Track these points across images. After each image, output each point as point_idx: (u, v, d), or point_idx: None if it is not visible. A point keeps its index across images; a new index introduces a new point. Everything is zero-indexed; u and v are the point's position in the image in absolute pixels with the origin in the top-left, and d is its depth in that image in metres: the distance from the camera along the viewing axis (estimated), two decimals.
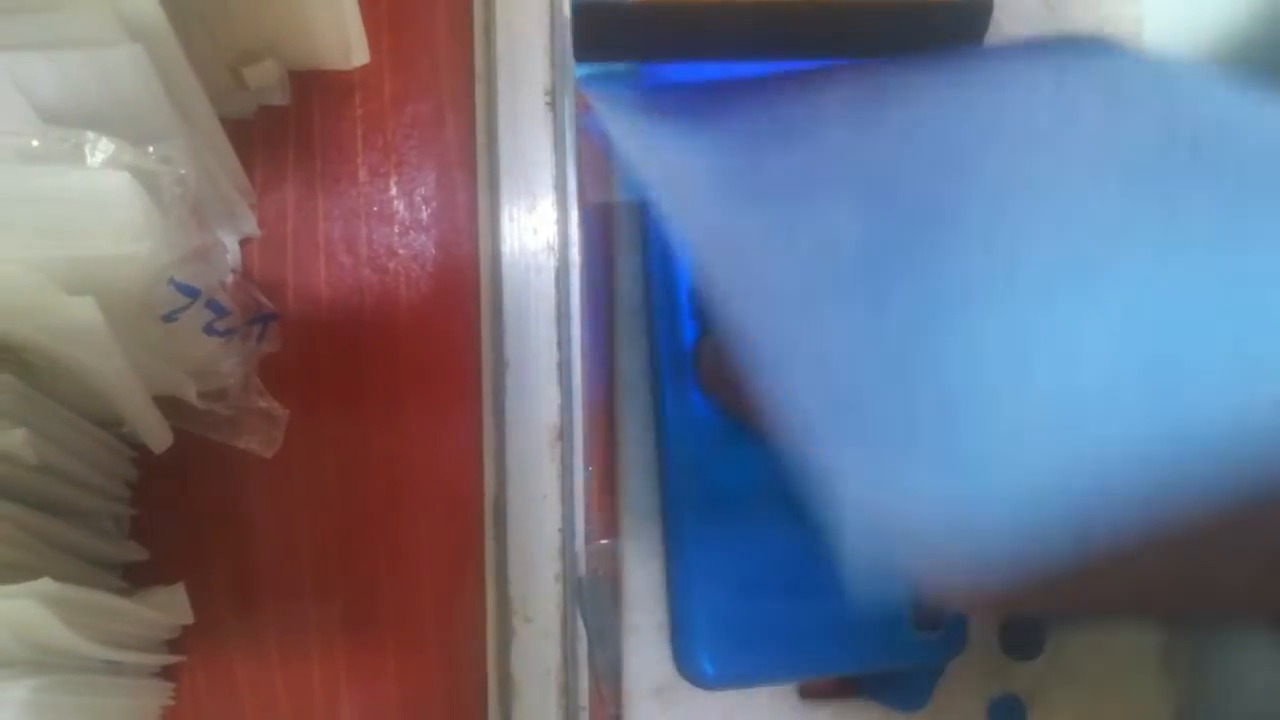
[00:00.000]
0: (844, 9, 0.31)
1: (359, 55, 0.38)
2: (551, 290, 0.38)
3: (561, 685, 0.36)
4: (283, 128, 0.39)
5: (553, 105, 0.38)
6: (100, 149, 0.27)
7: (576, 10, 0.32)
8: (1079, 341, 0.19)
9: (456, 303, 0.39)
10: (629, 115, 0.30)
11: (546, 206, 0.38)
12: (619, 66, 0.33)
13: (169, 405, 0.34)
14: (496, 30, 0.39)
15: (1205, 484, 0.17)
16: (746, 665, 0.34)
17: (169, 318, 0.31)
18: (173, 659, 0.36)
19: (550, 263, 0.38)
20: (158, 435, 0.34)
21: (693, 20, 0.31)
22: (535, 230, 0.38)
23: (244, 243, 0.39)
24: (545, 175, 0.38)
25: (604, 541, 0.37)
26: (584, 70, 0.33)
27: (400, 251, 0.39)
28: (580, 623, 0.37)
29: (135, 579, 0.37)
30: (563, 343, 0.37)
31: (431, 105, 0.40)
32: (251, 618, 0.37)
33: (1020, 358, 0.19)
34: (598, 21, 0.31)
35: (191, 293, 0.31)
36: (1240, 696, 0.38)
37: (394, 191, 0.40)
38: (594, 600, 0.37)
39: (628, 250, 0.37)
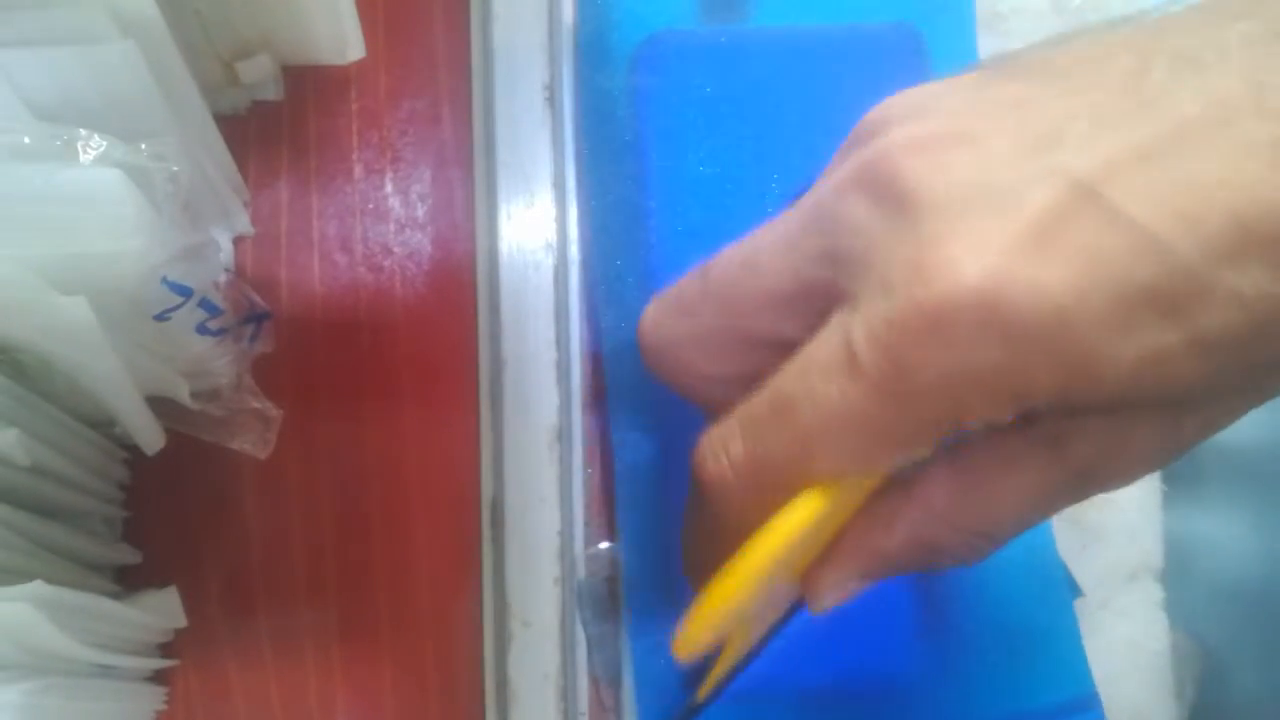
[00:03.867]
0: None
1: (354, 50, 0.38)
2: (550, 288, 0.37)
3: (560, 690, 0.36)
4: (277, 124, 0.39)
5: (551, 101, 0.38)
6: (92, 146, 0.27)
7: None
8: None
9: (453, 301, 0.39)
10: None
11: (545, 203, 0.38)
12: None
13: (161, 406, 0.34)
14: (494, 24, 0.38)
15: None
16: (748, 675, 0.34)
17: (161, 317, 0.30)
18: (165, 663, 0.36)
19: (549, 260, 0.37)
20: (150, 436, 0.34)
21: None
22: (533, 228, 0.38)
23: (237, 241, 0.38)
24: (544, 172, 0.38)
25: (604, 545, 0.37)
26: None
27: (396, 250, 0.39)
28: (579, 627, 0.37)
29: (127, 582, 0.36)
30: (561, 342, 0.37)
31: (428, 101, 0.40)
32: (245, 621, 0.37)
33: None
34: None
35: (184, 291, 0.30)
36: None
37: (390, 189, 0.39)
38: (593, 604, 0.36)
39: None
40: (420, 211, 0.39)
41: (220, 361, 0.35)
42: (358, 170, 0.39)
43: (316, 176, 0.39)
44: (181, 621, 0.36)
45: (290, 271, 0.38)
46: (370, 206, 0.39)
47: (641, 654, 0.35)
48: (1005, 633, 0.36)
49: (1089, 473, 0.23)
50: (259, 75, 0.37)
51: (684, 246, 0.36)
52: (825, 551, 0.25)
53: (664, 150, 0.36)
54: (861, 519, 0.25)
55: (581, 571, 0.37)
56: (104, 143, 0.27)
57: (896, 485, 0.24)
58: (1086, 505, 0.38)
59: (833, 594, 0.26)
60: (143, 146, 0.28)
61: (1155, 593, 0.39)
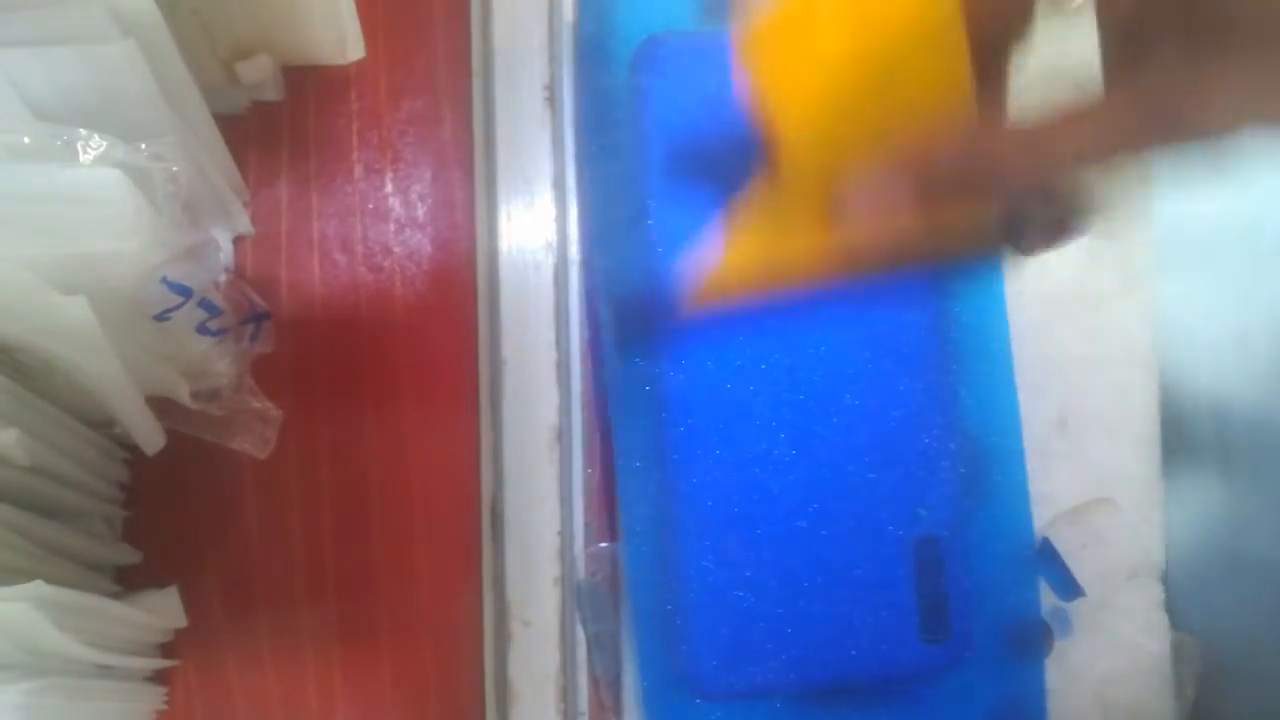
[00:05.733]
0: None
1: (355, 50, 0.38)
2: (550, 288, 0.37)
3: (560, 689, 0.36)
4: (276, 124, 0.39)
5: (551, 101, 0.38)
6: (92, 146, 0.27)
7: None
8: None
9: (453, 301, 0.39)
10: None
11: (545, 203, 0.38)
12: None
13: (162, 406, 0.34)
14: (494, 25, 0.38)
15: None
16: (748, 674, 0.34)
17: (161, 317, 0.30)
18: (165, 663, 0.36)
19: (549, 260, 0.37)
20: (150, 436, 0.34)
21: None
22: (533, 227, 0.38)
23: (237, 241, 0.38)
24: (544, 172, 0.38)
25: (603, 545, 0.37)
26: None
27: (396, 249, 0.39)
28: (579, 627, 0.37)
29: (128, 582, 0.36)
30: (561, 342, 0.37)
31: (428, 101, 0.40)
32: (245, 621, 0.37)
33: None
34: None
35: (184, 291, 0.30)
36: None
37: (390, 188, 0.39)
38: (593, 604, 0.36)
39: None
40: (420, 211, 0.39)
41: (220, 361, 0.35)
42: (358, 170, 0.39)
43: (316, 176, 0.39)
44: (181, 621, 0.36)
45: (290, 271, 0.38)
46: (370, 206, 0.39)
47: (641, 654, 0.35)
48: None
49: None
50: (259, 75, 0.37)
51: (684, 245, 0.36)
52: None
53: (664, 149, 0.36)
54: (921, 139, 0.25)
55: (581, 571, 0.37)
56: (104, 143, 0.27)
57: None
58: (1086, 505, 0.38)
59: (871, 191, 0.25)
60: (143, 146, 0.28)
61: (1155, 593, 0.39)
